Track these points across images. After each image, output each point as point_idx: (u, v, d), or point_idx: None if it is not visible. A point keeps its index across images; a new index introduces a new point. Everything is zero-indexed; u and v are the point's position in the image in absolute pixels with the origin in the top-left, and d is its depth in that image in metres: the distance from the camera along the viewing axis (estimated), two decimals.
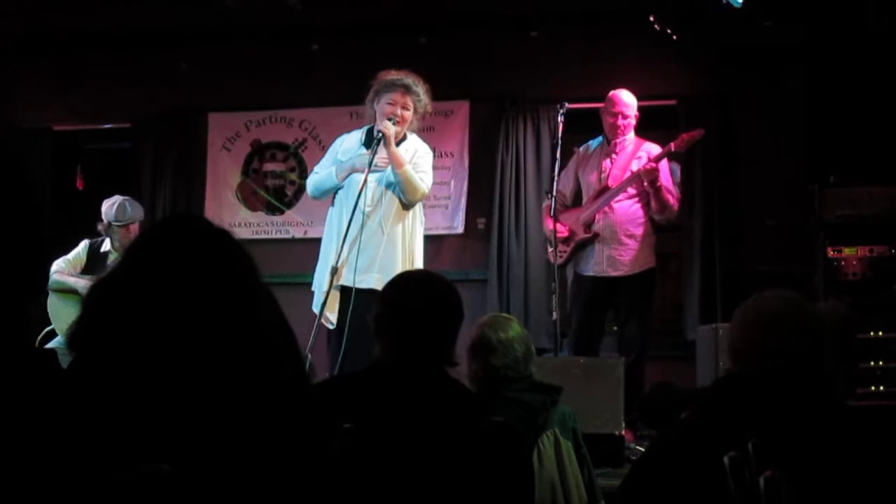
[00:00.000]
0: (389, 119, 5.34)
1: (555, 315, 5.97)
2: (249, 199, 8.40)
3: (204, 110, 8.45)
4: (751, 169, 7.43)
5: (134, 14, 7.76)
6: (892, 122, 6.82)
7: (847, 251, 6.20)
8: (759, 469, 2.14)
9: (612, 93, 6.29)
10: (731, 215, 7.45)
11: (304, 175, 8.18)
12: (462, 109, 8.08)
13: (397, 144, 5.39)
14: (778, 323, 2.53)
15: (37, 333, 6.19)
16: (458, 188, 8.01)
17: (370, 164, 5.28)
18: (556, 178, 6.17)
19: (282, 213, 8.31)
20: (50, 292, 6.23)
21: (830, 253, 6.21)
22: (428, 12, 7.82)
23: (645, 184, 6.10)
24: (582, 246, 6.25)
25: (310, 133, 8.24)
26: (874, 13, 6.90)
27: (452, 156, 8.04)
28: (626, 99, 6.27)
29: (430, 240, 7.85)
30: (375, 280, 5.20)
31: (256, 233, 8.25)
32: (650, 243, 6.26)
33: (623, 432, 5.32)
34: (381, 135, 5.30)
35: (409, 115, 5.41)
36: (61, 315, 6.18)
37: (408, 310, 2.80)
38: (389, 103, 5.38)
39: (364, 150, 5.43)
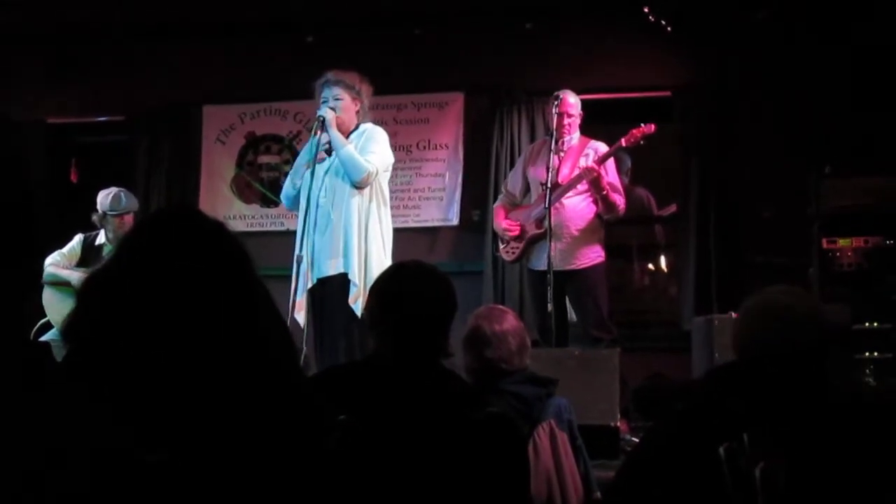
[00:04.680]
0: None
1: (549, 307, 5.98)
2: (244, 191, 8.40)
3: (198, 103, 8.44)
4: (746, 160, 7.42)
5: (128, 6, 7.74)
6: (887, 113, 6.82)
7: (842, 242, 6.20)
8: (755, 459, 2.15)
9: (557, 92, 6.41)
10: (726, 206, 7.45)
11: None
12: (457, 101, 8.07)
13: (350, 134, 5.59)
14: (786, 315, 2.54)
15: (31, 326, 6.19)
16: (453, 180, 8.00)
17: (315, 148, 5.51)
18: (550, 168, 6.19)
19: (276, 205, 8.28)
20: (44, 285, 6.24)
21: (826, 244, 6.22)
22: (422, 4, 7.81)
23: (589, 183, 6.21)
24: (533, 242, 6.35)
25: (304, 125, 8.21)
26: (869, 3, 6.92)
27: (447, 148, 8.04)
28: (570, 99, 6.41)
29: (424, 232, 7.91)
30: (335, 265, 5.44)
31: (251, 225, 8.24)
32: (599, 238, 6.41)
33: (618, 423, 5.33)
34: (321, 118, 5.53)
35: (342, 103, 5.59)
36: (56, 307, 6.19)
37: (401, 302, 2.80)
38: (323, 101, 5.62)
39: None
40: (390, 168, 5.72)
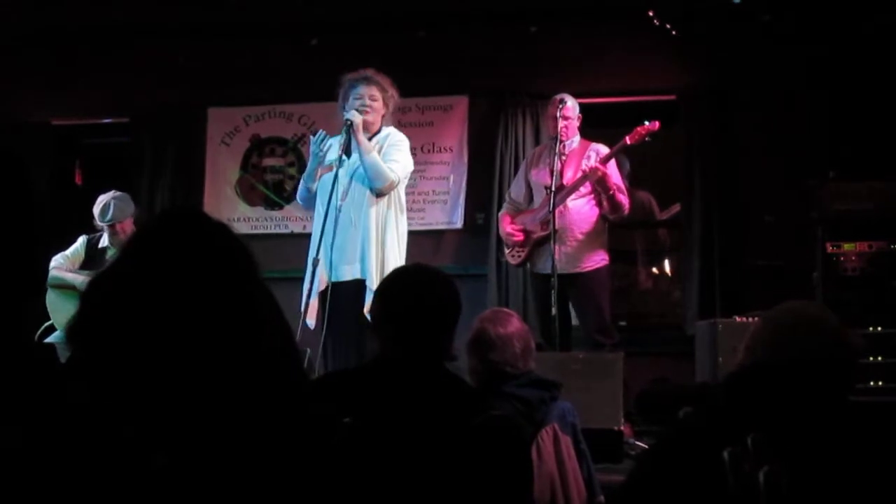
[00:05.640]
0: (356, 109, 5.47)
1: (553, 310, 5.98)
2: (248, 193, 8.40)
3: (203, 105, 8.45)
4: (750, 164, 7.43)
5: (133, 8, 7.75)
6: (890, 117, 6.82)
7: (846, 246, 6.20)
8: (759, 463, 2.14)
9: (561, 96, 6.44)
10: (730, 210, 7.45)
11: (302, 170, 8.16)
12: (461, 104, 8.08)
13: (372, 136, 5.52)
14: (820, 325, 2.55)
15: (36, 329, 6.19)
16: (458, 183, 8.00)
17: (339, 152, 5.42)
18: (552, 171, 6.20)
19: (280, 207, 8.31)
20: (48, 288, 6.23)
21: (829, 248, 6.21)
22: (427, 6, 7.81)
23: (594, 184, 6.23)
24: (539, 244, 6.35)
25: (309, 128, 8.22)
26: (871, 8, 6.91)
27: (451, 151, 8.04)
28: (569, 103, 6.42)
29: (429, 235, 7.90)
30: (350, 271, 5.37)
31: (255, 228, 8.25)
32: (603, 241, 6.42)
33: (622, 427, 5.32)
34: (349, 122, 5.42)
35: (376, 104, 5.52)
36: (60, 310, 6.18)
37: (405, 305, 2.79)
38: (357, 98, 5.52)
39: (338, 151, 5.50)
40: (409, 175, 5.69)
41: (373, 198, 5.41)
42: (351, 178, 5.45)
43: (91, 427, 1.53)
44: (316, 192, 5.57)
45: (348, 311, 5.32)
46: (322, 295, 5.40)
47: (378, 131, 5.57)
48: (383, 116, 5.57)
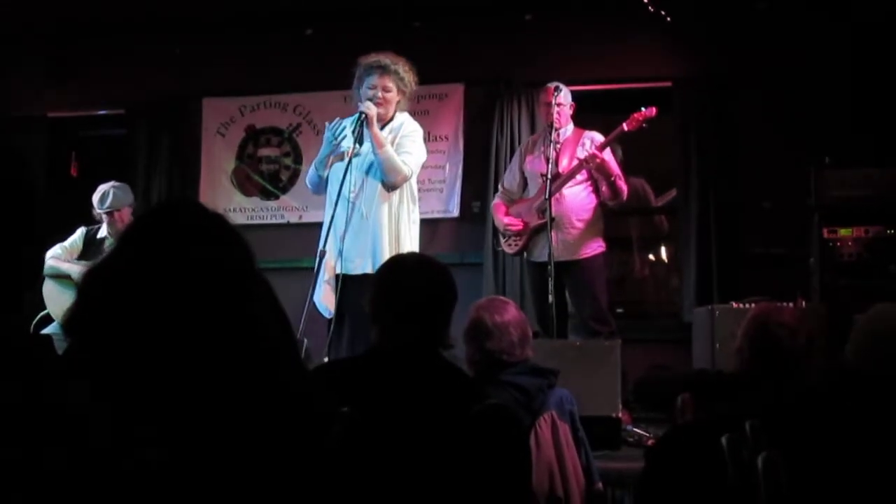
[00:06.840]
0: (370, 100, 5.39)
1: (550, 298, 5.98)
2: (244, 184, 8.39)
3: (198, 96, 8.44)
4: (747, 150, 7.41)
5: (128, 0, 7.74)
6: (887, 103, 6.81)
7: (843, 232, 6.20)
8: (757, 449, 2.14)
9: (556, 83, 6.43)
10: (727, 197, 7.44)
11: (298, 160, 8.18)
12: (457, 93, 8.06)
13: (386, 124, 5.45)
14: None
15: (32, 319, 6.20)
16: (453, 171, 7.99)
17: (353, 145, 5.35)
18: (548, 159, 6.21)
19: (277, 198, 8.29)
20: (46, 278, 6.24)
21: (826, 234, 6.22)
22: None
23: (593, 171, 6.24)
24: (536, 232, 6.36)
25: (304, 118, 8.23)
26: None
27: (447, 139, 8.03)
28: (562, 90, 6.42)
29: (425, 223, 7.81)
30: (361, 265, 5.30)
31: (251, 218, 8.24)
32: (599, 228, 6.43)
33: (620, 414, 5.33)
34: (363, 116, 5.34)
35: (390, 95, 5.44)
36: (57, 300, 6.19)
37: (401, 293, 2.79)
38: (370, 87, 5.43)
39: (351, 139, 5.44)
40: (422, 165, 5.61)
41: (385, 192, 5.35)
42: (364, 172, 5.37)
43: (87, 419, 1.53)
44: (327, 180, 5.51)
45: (358, 305, 5.23)
46: (335, 284, 5.34)
47: (391, 119, 5.49)
48: (397, 103, 5.49)
